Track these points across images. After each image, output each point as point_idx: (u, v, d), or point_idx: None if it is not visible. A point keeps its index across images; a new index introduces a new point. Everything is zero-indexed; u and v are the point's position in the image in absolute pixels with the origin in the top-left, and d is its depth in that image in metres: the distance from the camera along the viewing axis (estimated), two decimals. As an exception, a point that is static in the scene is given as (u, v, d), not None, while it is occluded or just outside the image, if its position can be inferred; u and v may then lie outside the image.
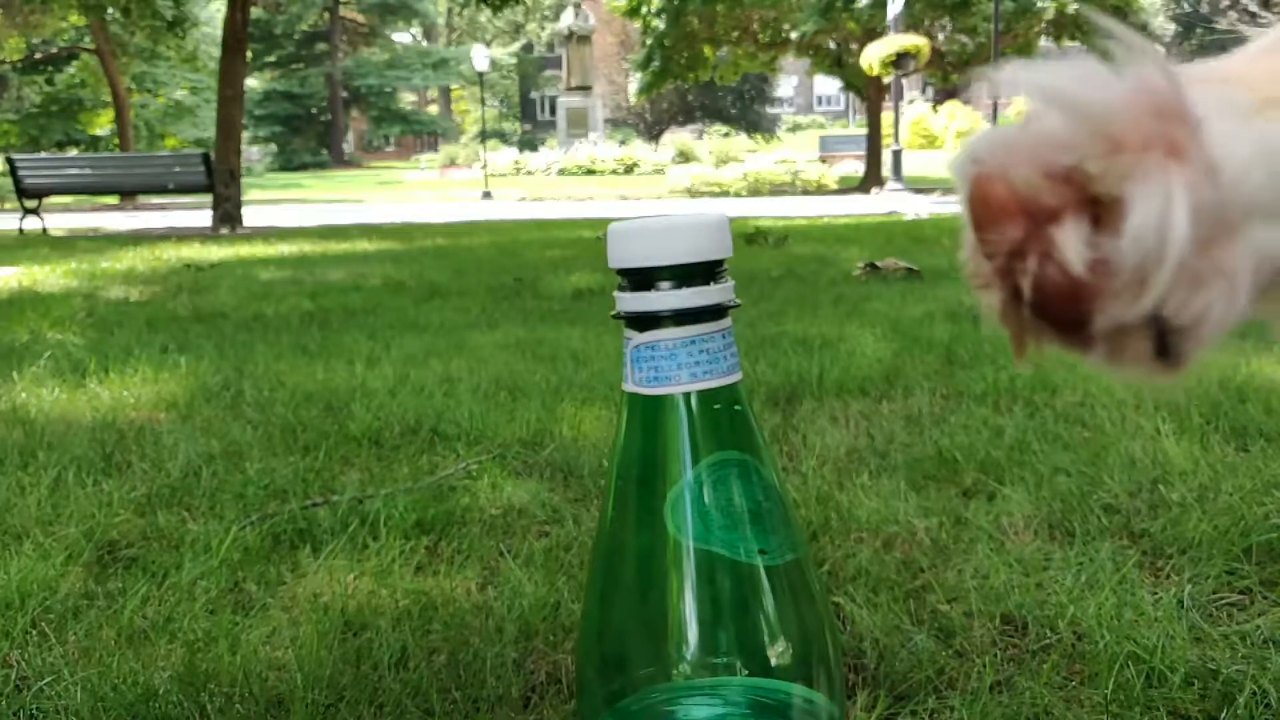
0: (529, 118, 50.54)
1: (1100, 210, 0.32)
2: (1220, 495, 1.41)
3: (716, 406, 0.58)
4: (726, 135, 35.47)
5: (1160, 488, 1.47)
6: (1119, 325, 0.34)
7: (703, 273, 0.57)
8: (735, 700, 0.58)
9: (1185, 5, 43.57)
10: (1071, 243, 0.32)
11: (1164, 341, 0.35)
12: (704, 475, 0.57)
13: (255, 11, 19.13)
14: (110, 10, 20.51)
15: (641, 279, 0.56)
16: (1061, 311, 0.34)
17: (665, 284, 0.56)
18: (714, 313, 0.57)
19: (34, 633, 1.13)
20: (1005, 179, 0.33)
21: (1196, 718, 0.91)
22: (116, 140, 26.40)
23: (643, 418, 0.58)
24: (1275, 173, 0.33)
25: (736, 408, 0.58)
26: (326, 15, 41.67)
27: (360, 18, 43.14)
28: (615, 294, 0.58)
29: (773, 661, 0.57)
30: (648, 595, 0.58)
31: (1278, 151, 0.33)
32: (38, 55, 29.10)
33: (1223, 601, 1.14)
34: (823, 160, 24.55)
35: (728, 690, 0.57)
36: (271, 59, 41.85)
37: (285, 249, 7.39)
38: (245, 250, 7.37)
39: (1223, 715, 0.91)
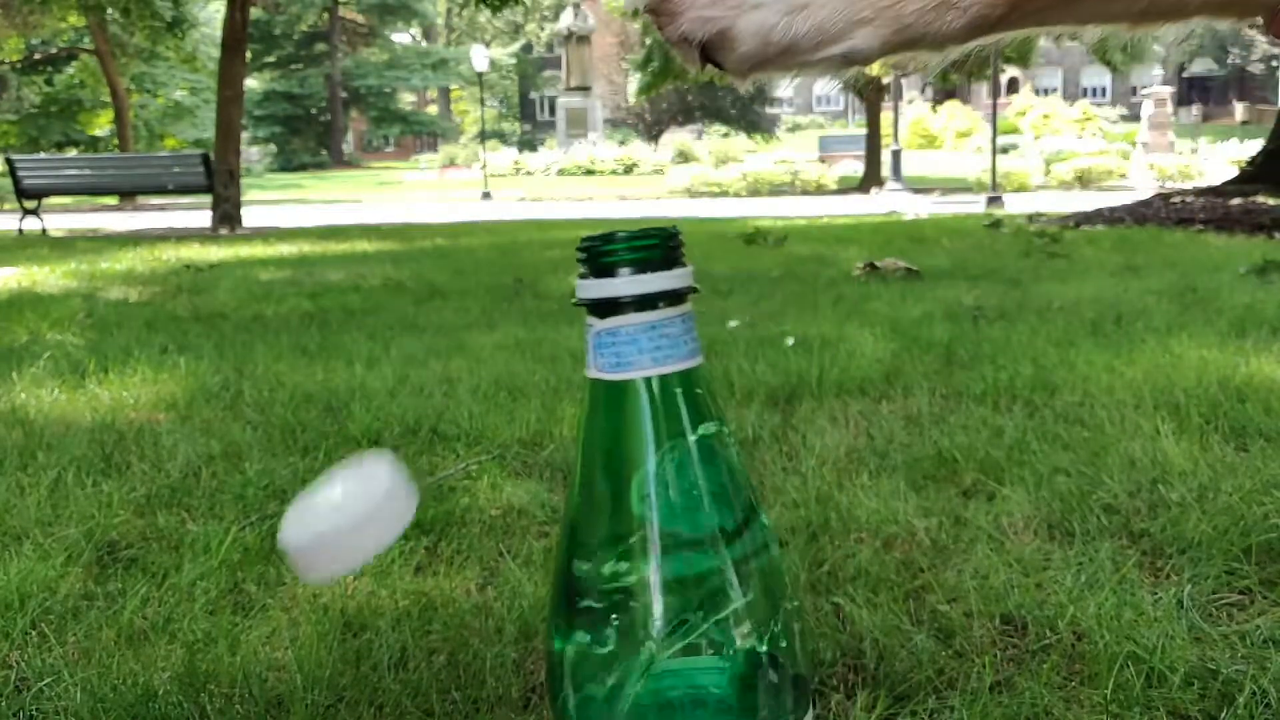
0: (528, 118, 50.54)
1: None
2: (1220, 495, 1.41)
3: (678, 390, 0.59)
4: (726, 135, 35.49)
5: (1160, 488, 1.47)
6: (677, 41, 0.60)
7: (662, 258, 0.58)
8: (704, 671, 0.59)
9: (1184, 5, 43.49)
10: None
11: (705, 54, 0.60)
12: (667, 457, 0.58)
13: (255, 12, 19.12)
14: (109, 11, 20.52)
15: (602, 265, 0.58)
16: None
17: (625, 270, 0.57)
18: (674, 297, 0.58)
19: (34, 633, 1.13)
20: None
21: (1196, 718, 0.91)
22: (116, 141, 26.42)
23: (606, 403, 0.59)
24: None
25: (697, 391, 0.60)
26: (326, 15, 41.66)
27: (360, 18, 43.14)
28: (576, 281, 0.59)
29: (739, 634, 0.58)
30: (616, 574, 0.59)
31: None
32: (37, 56, 29.11)
33: (1222, 601, 1.14)
34: (822, 160, 24.57)
35: (696, 663, 0.58)
36: (271, 59, 41.86)
37: (285, 249, 7.39)
38: (245, 251, 7.37)
39: (1222, 715, 0.91)
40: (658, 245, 0.58)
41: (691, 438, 0.59)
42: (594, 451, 0.60)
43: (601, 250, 0.58)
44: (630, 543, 0.58)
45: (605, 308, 0.58)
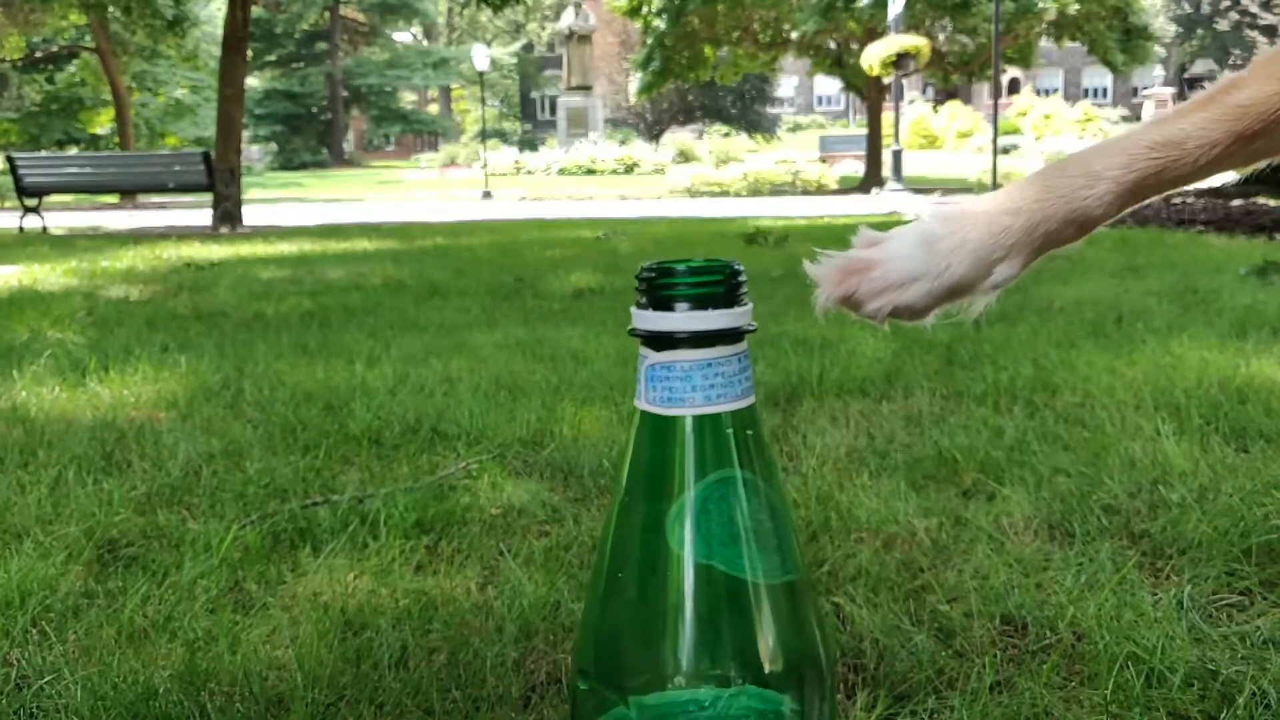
0: (529, 117, 50.53)
1: None
2: (1220, 496, 1.41)
3: (728, 430, 0.58)
4: (727, 135, 35.44)
5: (1160, 488, 1.47)
6: (866, 320, 0.75)
7: (723, 294, 0.57)
8: (726, 713, 0.58)
9: (1185, 5, 43.54)
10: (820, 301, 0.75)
11: (886, 318, 0.74)
12: (710, 493, 0.57)
13: (256, 11, 19.10)
14: (111, 9, 20.51)
15: (660, 298, 0.56)
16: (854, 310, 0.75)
17: (684, 305, 0.56)
18: (732, 336, 0.57)
19: (34, 631, 1.13)
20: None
21: (1196, 718, 0.91)
22: (117, 139, 26.41)
23: (652, 436, 0.58)
24: (929, 266, 0.73)
25: (748, 431, 0.58)
26: (327, 14, 41.65)
27: (360, 17, 43.14)
28: (633, 310, 0.58)
29: (765, 676, 0.58)
30: (646, 607, 0.58)
31: (935, 256, 0.73)
32: (38, 54, 29.11)
33: (1222, 602, 1.14)
34: (823, 160, 24.54)
35: (719, 702, 0.58)
36: (272, 58, 41.85)
37: (285, 248, 7.39)
38: (245, 249, 7.37)
39: (1222, 716, 0.91)
40: (720, 281, 0.56)
41: (738, 474, 0.58)
42: (636, 483, 0.59)
43: (661, 282, 0.56)
44: (664, 574, 0.57)
45: (661, 341, 0.56)
